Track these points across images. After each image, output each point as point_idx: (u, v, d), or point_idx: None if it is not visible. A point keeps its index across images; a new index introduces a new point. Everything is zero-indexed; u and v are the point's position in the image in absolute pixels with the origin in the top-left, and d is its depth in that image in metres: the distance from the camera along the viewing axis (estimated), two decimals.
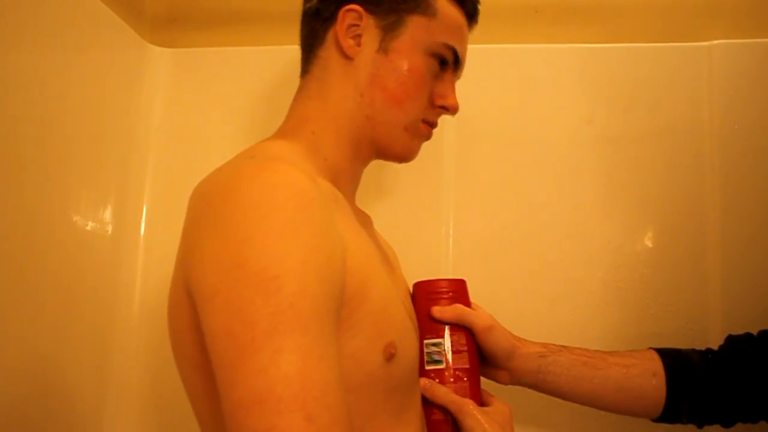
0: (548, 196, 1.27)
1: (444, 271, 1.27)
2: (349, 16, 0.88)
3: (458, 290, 0.95)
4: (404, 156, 0.94)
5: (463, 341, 0.91)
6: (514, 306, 1.22)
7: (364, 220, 0.95)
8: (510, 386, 0.98)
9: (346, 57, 0.88)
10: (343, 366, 0.67)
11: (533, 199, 1.27)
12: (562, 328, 1.22)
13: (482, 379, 0.94)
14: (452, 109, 0.95)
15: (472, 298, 0.97)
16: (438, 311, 0.92)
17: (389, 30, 0.88)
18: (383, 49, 0.88)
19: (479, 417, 0.83)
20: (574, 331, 1.22)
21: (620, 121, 1.27)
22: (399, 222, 1.26)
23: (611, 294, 1.24)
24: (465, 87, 1.27)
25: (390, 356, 0.76)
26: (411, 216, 1.29)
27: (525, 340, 0.98)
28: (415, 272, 0.98)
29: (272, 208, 0.67)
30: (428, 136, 0.95)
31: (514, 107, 1.30)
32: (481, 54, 1.29)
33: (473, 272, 1.23)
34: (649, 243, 1.25)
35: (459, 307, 0.92)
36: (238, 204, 0.67)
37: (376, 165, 0.95)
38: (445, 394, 0.86)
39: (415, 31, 0.88)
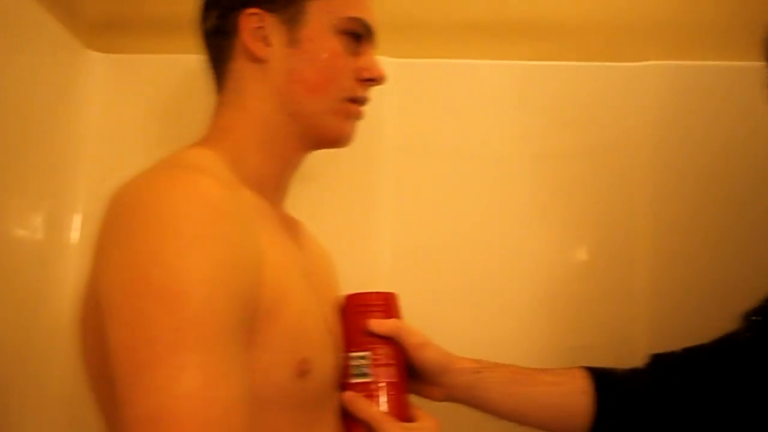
0: (484, 211, 1.28)
1: (380, 284, 1.25)
2: (251, 20, 0.88)
3: (388, 304, 0.95)
4: (339, 139, 0.94)
5: (392, 355, 0.91)
6: (449, 319, 1.23)
7: (292, 229, 0.94)
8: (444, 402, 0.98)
9: (259, 61, 0.88)
10: (253, 380, 0.67)
11: (469, 213, 1.28)
12: (497, 341, 1.23)
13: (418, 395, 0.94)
14: (379, 79, 0.95)
15: (408, 311, 0.98)
16: (376, 325, 0.92)
17: (293, 22, 0.88)
18: (293, 42, 0.88)
19: None
20: (507, 344, 1.23)
21: (556, 137, 1.29)
22: (335, 234, 1.24)
23: (544, 307, 1.25)
24: (405, 100, 1.30)
25: (303, 372, 0.76)
26: (348, 228, 1.28)
27: (457, 356, 0.98)
28: (351, 285, 0.98)
29: (180, 221, 0.66)
30: (359, 115, 0.95)
31: (452, 121, 1.31)
32: (421, 68, 1.31)
33: (409, 285, 1.21)
34: (580, 257, 1.27)
35: (397, 322, 0.92)
36: (146, 215, 0.66)
37: (314, 178, 0.95)
38: (366, 409, 0.86)
39: (317, 15, 0.88)
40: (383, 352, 0.90)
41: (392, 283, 1.25)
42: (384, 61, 1.27)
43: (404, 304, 0.99)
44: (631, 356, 1.07)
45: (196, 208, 0.67)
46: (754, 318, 1.03)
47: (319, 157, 1.05)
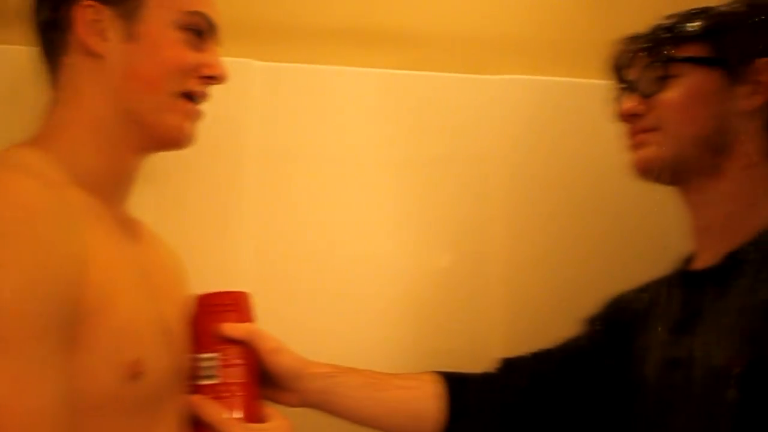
0: (347, 216, 1.29)
1: (242, 289, 1.24)
2: (86, 12, 0.84)
3: (239, 303, 0.94)
4: (176, 139, 0.90)
5: (242, 355, 0.90)
6: (311, 324, 1.22)
7: (131, 230, 0.91)
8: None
9: (95, 55, 0.84)
10: (78, 384, 0.65)
11: (332, 218, 1.29)
12: (357, 346, 1.24)
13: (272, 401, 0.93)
14: (220, 78, 0.92)
15: (270, 316, 0.97)
16: (228, 329, 0.90)
17: (130, 16, 0.85)
18: (130, 36, 0.85)
19: None
20: (368, 349, 1.24)
21: (417, 145, 1.32)
22: (197, 238, 1.23)
23: (404, 313, 1.27)
24: (270, 103, 1.28)
25: (136, 374, 0.74)
26: (209, 232, 1.25)
27: (313, 361, 0.98)
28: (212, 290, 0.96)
29: None
30: (196, 114, 0.92)
31: (316, 127, 1.31)
32: (287, 72, 1.30)
33: (271, 291, 1.22)
34: (439, 263, 1.30)
35: (250, 327, 0.91)
36: None
37: (175, 182, 0.92)
38: (212, 412, 0.85)
39: (157, 9, 0.86)
40: (232, 352, 0.89)
41: (254, 289, 1.23)
42: (249, 63, 1.27)
43: (266, 309, 0.98)
44: (489, 360, 1.10)
45: (7, 209, 0.65)
46: (595, 323, 1.09)
47: (181, 160, 1.02)
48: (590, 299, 1.12)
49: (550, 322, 1.23)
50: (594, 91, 1.08)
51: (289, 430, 0.88)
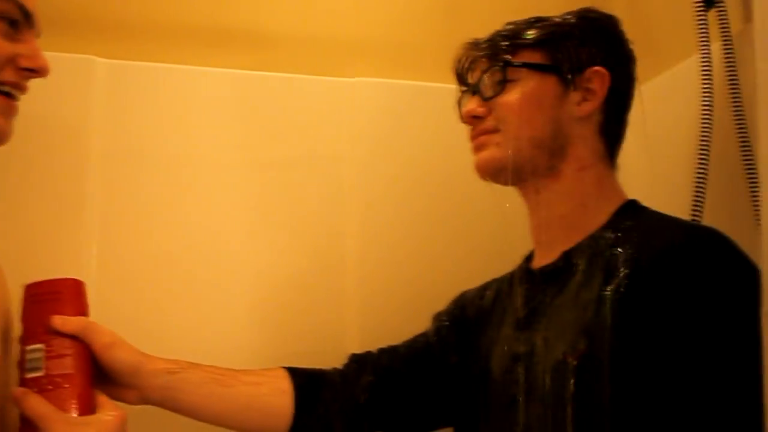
0: (199, 218, 1.26)
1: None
2: None
3: (69, 291, 0.90)
4: None
5: (68, 345, 0.85)
6: (161, 328, 1.19)
7: None
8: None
9: None
10: None
11: (184, 220, 1.25)
12: (209, 350, 1.20)
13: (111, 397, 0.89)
14: (41, 71, 0.88)
15: (118, 319, 0.94)
16: (59, 322, 0.86)
17: None
18: None
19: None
20: (219, 352, 1.21)
21: (270, 147, 1.31)
22: (38, 241, 1.17)
23: (258, 315, 1.26)
24: (116, 102, 1.24)
25: None
26: (51, 236, 1.19)
27: (153, 356, 0.95)
28: None
29: None
30: (10, 109, 0.87)
31: (165, 127, 1.27)
32: (135, 71, 1.26)
33: (119, 293, 1.20)
34: (293, 265, 1.29)
35: (83, 321, 0.87)
36: None
37: (14, 183, 0.86)
38: (33, 406, 0.80)
39: None
40: (59, 343, 0.85)
41: (100, 292, 1.20)
42: (93, 60, 1.22)
43: (114, 313, 0.94)
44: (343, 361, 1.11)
45: None
46: (441, 319, 1.13)
47: (21, 158, 0.97)
48: (442, 299, 1.15)
49: (404, 321, 1.25)
50: (444, 95, 1.10)
51: (119, 423, 0.83)
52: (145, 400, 0.94)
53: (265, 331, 1.26)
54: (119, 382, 0.92)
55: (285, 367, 1.04)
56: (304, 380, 1.03)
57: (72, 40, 1.08)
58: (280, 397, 1.00)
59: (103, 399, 0.86)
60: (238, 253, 1.27)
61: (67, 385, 0.83)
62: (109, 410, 0.84)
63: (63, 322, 0.86)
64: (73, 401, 0.83)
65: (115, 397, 0.91)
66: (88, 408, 0.83)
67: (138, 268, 1.23)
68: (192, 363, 0.97)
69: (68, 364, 0.84)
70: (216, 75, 1.31)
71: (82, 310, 0.90)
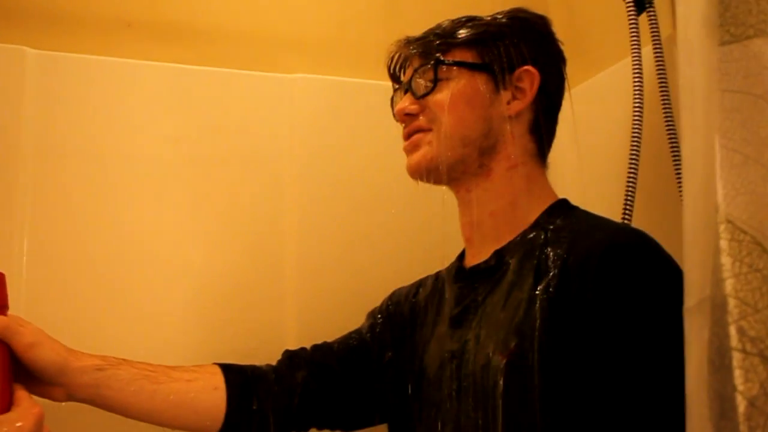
0: (132, 216, 1.24)
1: (17, 294, 1.17)
2: None
3: None
4: None
5: None
6: (93, 325, 1.17)
7: None
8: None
9: None
10: None
11: (117, 216, 1.23)
12: (144, 349, 1.17)
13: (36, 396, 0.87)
14: None
15: (49, 316, 0.93)
16: None
17: None
18: None
19: None
20: (154, 352, 1.17)
21: (208, 142, 1.30)
22: None
23: (193, 314, 1.25)
24: (48, 95, 1.21)
25: None
26: None
27: (81, 353, 0.93)
28: None
29: None
30: None
31: (99, 121, 1.25)
32: (66, 63, 1.23)
33: (50, 289, 1.18)
34: (232, 262, 1.28)
35: (3, 321, 0.84)
36: None
37: None
38: None
39: None
40: None
41: (30, 287, 1.17)
42: (25, 51, 1.19)
43: (45, 309, 0.92)
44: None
45: None
46: (375, 316, 1.13)
47: None
48: (379, 295, 1.16)
49: (343, 318, 1.25)
50: (383, 92, 1.10)
51: (34, 418, 0.79)
52: (72, 398, 0.92)
53: (201, 328, 1.25)
54: (45, 381, 0.90)
55: (218, 364, 1.03)
56: (237, 377, 1.02)
57: (2, 30, 1.05)
58: (212, 394, 0.99)
59: (20, 395, 0.83)
60: (174, 249, 1.25)
61: None
62: (26, 407, 0.81)
63: None
64: None
65: (41, 395, 0.89)
66: (1, 407, 0.81)
67: (70, 264, 1.21)
68: (121, 359, 0.96)
69: None
70: (153, 68, 1.29)
71: (2, 302, 0.88)
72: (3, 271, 0.88)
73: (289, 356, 1.08)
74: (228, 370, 1.02)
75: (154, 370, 0.97)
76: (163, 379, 0.97)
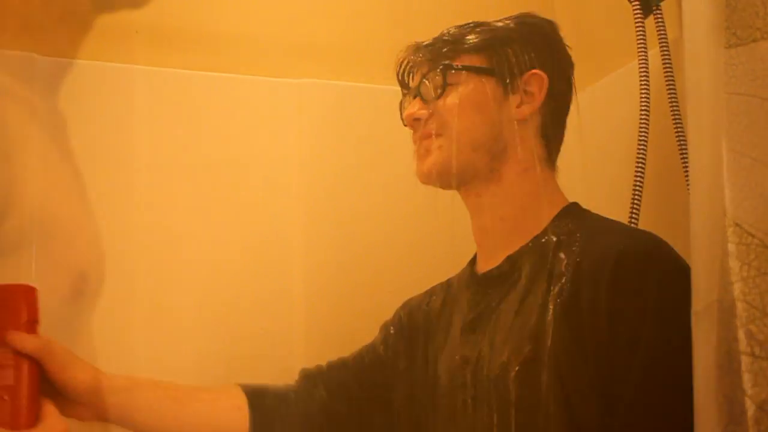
0: (141, 220, 1.24)
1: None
2: None
3: (18, 299, 0.84)
4: None
5: (9, 355, 0.81)
6: (98, 333, 1.17)
7: None
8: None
9: None
10: None
11: (125, 222, 1.23)
12: (153, 350, 1.20)
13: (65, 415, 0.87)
14: None
15: (59, 324, 0.92)
16: (18, 340, 0.83)
17: None
18: None
19: None
20: (164, 354, 1.21)
21: (215, 148, 1.30)
22: None
23: (203, 318, 1.25)
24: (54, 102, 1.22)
25: None
26: None
27: (108, 374, 0.93)
28: None
29: None
30: None
31: (107, 127, 1.25)
32: (74, 69, 1.23)
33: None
34: (240, 267, 1.29)
35: (42, 341, 0.83)
36: None
37: None
38: None
39: None
40: (2, 352, 0.80)
41: (42, 295, 1.17)
42: (33, 58, 1.20)
43: (47, 313, 0.91)
44: (290, 365, 1.12)
45: None
46: (388, 328, 1.13)
47: None
48: (388, 301, 1.15)
49: (351, 322, 1.26)
50: (389, 97, 1.11)
51: None
52: (100, 418, 0.92)
53: (210, 336, 1.25)
54: (74, 400, 0.89)
55: (239, 384, 1.04)
56: (257, 397, 1.02)
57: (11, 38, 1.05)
58: (236, 414, 1.00)
59: (48, 411, 0.82)
60: (181, 255, 1.26)
61: (7, 398, 0.80)
62: (52, 422, 0.81)
63: (22, 340, 0.81)
64: (14, 413, 0.79)
65: (69, 414, 0.89)
66: (27, 422, 0.80)
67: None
68: (147, 380, 0.97)
69: (9, 376, 0.81)
70: (161, 74, 1.29)
71: (34, 317, 0.86)
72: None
73: (306, 376, 1.09)
74: (249, 391, 1.03)
75: (179, 390, 0.99)
76: (187, 399, 0.99)
